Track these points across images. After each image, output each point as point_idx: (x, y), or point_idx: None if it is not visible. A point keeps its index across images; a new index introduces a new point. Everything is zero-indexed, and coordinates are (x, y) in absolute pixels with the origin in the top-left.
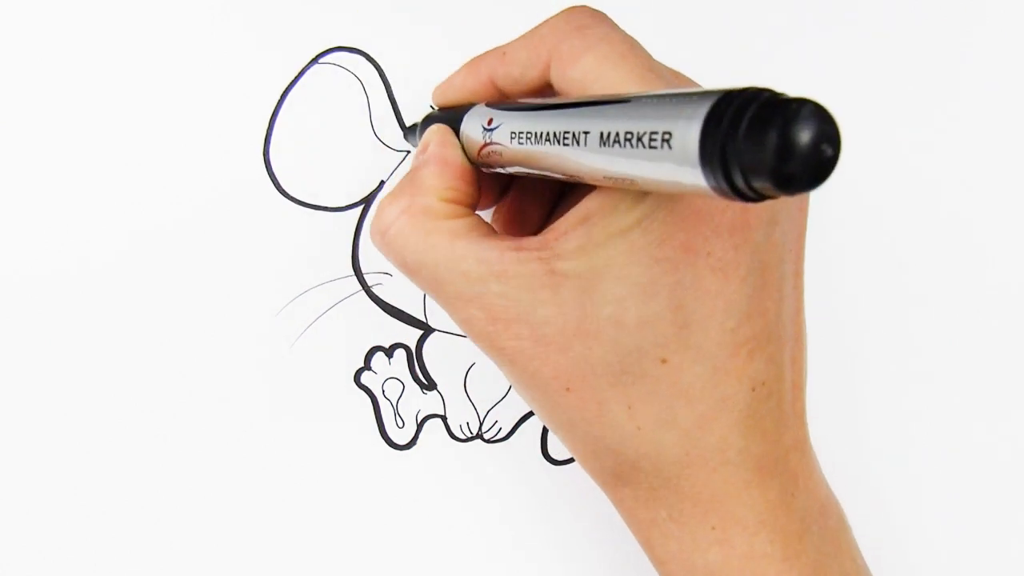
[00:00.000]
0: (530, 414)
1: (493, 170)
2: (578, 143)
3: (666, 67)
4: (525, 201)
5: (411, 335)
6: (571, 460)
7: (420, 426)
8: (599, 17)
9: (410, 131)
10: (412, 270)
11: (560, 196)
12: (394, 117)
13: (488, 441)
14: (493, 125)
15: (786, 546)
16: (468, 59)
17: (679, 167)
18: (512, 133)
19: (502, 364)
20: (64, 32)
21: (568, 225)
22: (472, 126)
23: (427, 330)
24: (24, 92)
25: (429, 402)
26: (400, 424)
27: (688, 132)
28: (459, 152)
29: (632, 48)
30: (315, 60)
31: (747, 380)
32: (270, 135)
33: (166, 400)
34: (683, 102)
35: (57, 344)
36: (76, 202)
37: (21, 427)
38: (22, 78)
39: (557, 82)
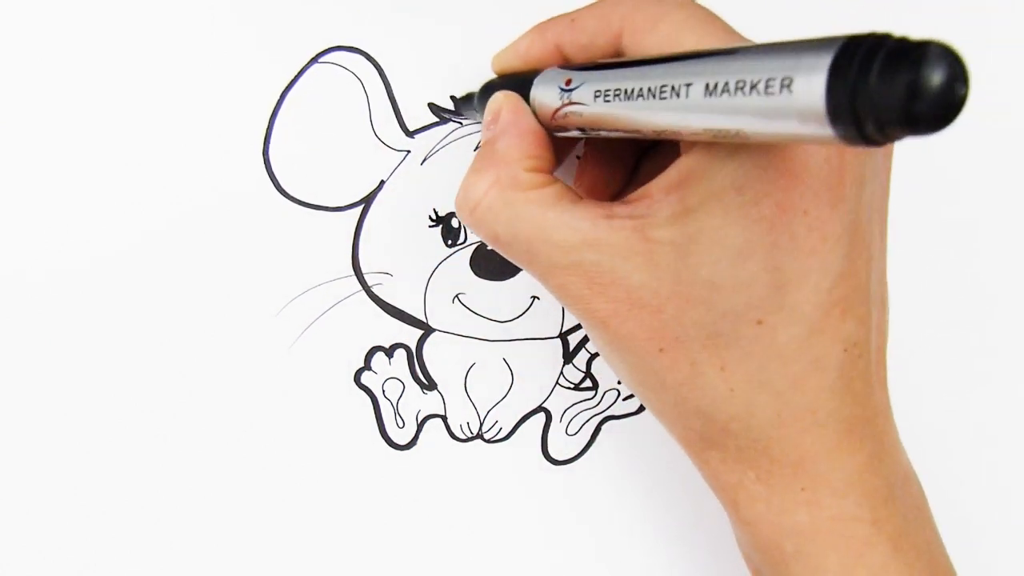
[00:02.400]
0: (530, 414)
1: (565, 134)
2: (677, 95)
3: (739, 34)
4: (599, 165)
5: (411, 335)
6: (571, 460)
7: (420, 426)
8: None
9: (463, 101)
10: (504, 243)
11: (637, 158)
12: (394, 117)
13: (488, 441)
14: (573, 85)
15: (874, 509)
16: (533, 24)
17: (800, 113)
18: (597, 91)
19: (596, 327)
20: (64, 32)
21: (659, 190)
22: (546, 89)
23: (427, 330)
24: (24, 92)
25: (429, 402)
26: (400, 424)
27: (813, 77)
28: (532, 118)
29: (708, 14)
30: (315, 60)
31: (840, 341)
32: (270, 135)
33: (166, 400)
34: (801, 49)
35: (57, 344)
36: (76, 202)
37: (21, 427)
38: (22, 78)
39: (631, 49)
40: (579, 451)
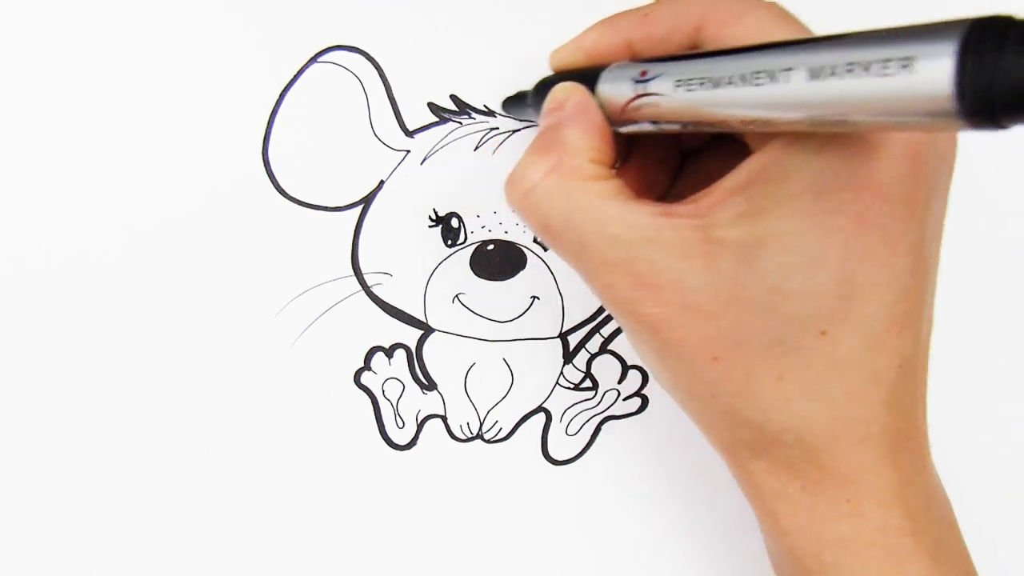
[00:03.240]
0: (530, 414)
1: (632, 128)
2: (775, 81)
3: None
4: (643, 167)
5: (411, 335)
6: (571, 460)
7: (420, 426)
8: None
9: (515, 100)
10: (555, 232)
11: (684, 162)
12: (394, 117)
13: (488, 441)
14: (649, 76)
15: (914, 521)
16: (596, 21)
17: (922, 94)
18: (679, 80)
19: (642, 332)
20: (64, 32)
21: (726, 191)
22: (616, 81)
23: (427, 330)
24: (24, 92)
25: (429, 402)
26: (400, 424)
27: (939, 57)
28: (600, 112)
29: (790, 14)
30: (314, 59)
31: (896, 356)
32: (269, 135)
33: (166, 400)
34: (919, 32)
35: (57, 344)
36: (76, 202)
37: (21, 427)
38: (22, 78)
39: (712, 43)
40: (579, 451)
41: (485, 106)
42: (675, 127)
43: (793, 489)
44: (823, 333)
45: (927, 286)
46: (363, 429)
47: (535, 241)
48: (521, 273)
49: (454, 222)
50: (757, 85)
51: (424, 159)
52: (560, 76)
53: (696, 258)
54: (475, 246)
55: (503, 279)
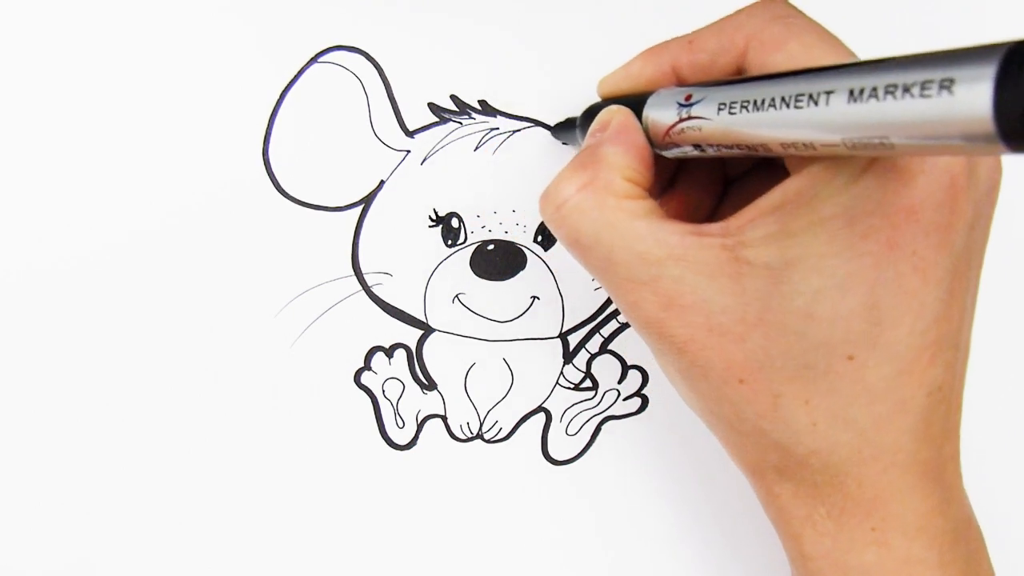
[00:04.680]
0: (530, 414)
1: (675, 152)
2: (815, 103)
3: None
4: (693, 191)
5: (411, 335)
6: (571, 460)
7: (420, 426)
8: (795, 9)
9: (562, 126)
10: (584, 247)
11: (728, 188)
12: (394, 117)
13: (488, 441)
14: (693, 100)
15: (941, 553)
16: (642, 50)
17: (961, 116)
18: (721, 104)
19: (668, 352)
20: (64, 31)
21: (758, 212)
22: (661, 105)
23: (427, 330)
24: (24, 92)
25: (429, 402)
26: (400, 424)
27: (978, 79)
28: (643, 135)
29: (835, 37)
30: (314, 59)
31: (926, 384)
32: (269, 135)
33: (166, 400)
34: (959, 55)
35: (57, 344)
36: (76, 202)
37: (21, 426)
38: (22, 78)
39: (757, 67)
40: (579, 451)
41: (485, 105)
42: (717, 151)
43: (818, 515)
44: (851, 358)
45: (962, 315)
46: (363, 429)
47: (535, 241)
48: (521, 273)
49: (454, 222)
50: (798, 108)
51: (424, 159)
52: (607, 102)
53: (724, 278)
54: (475, 246)
55: (503, 279)
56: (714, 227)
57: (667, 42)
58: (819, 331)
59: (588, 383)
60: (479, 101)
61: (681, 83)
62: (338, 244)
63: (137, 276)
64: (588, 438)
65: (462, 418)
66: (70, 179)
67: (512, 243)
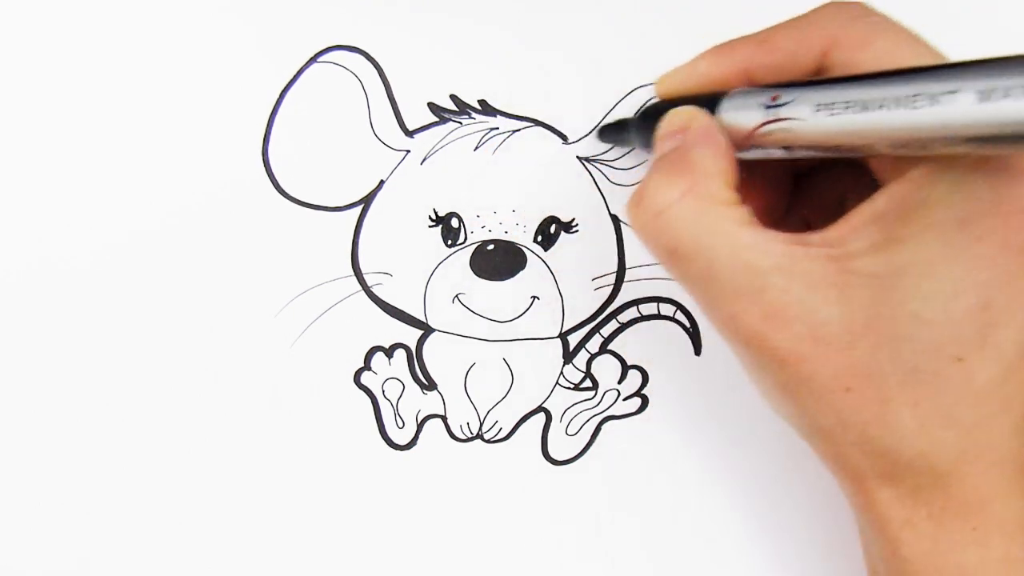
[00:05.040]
0: (530, 414)
1: (757, 154)
2: (937, 103)
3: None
4: (767, 193)
5: (411, 335)
6: (571, 460)
7: (420, 426)
8: (872, 9)
9: (614, 127)
10: (683, 256)
11: (798, 185)
12: (393, 116)
13: (488, 441)
14: (782, 100)
15: None
16: (707, 48)
17: None
18: (819, 105)
19: (767, 365)
20: (64, 31)
21: (862, 221)
22: (742, 106)
23: (427, 330)
24: (24, 92)
25: (429, 402)
26: (400, 424)
27: None
28: (726, 137)
29: (918, 37)
30: (314, 59)
31: None
32: (269, 135)
33: (166, 400)
34: None
35: (56, 344)
36: (76, 202)
37: (20, 426)
38: (22, 78)
39: (841, 67)
40: (579, 451)
41: (485, 105)
42: (807, 153)
43: (919, 517)
44: (960, 360)
45: None
46: (363, 429)
47: (535, 241)
48: (521, 273)
49: (454, 222)
50: (915, 108)
51: (424, 159)
52: (669, 103)
53: (830, 289)
54: (475, 246)
55: (503, 279)
56: (816, 237)
57: (736, 41)
58: (929, 335)
59: (588, 383)
60: (479, 101)
61: (752, 84)
62: (338, 244)
63: (137, 276)
64: (588, 438)
65: (462, 418)
66: (70, 179)
67: (512, 243)
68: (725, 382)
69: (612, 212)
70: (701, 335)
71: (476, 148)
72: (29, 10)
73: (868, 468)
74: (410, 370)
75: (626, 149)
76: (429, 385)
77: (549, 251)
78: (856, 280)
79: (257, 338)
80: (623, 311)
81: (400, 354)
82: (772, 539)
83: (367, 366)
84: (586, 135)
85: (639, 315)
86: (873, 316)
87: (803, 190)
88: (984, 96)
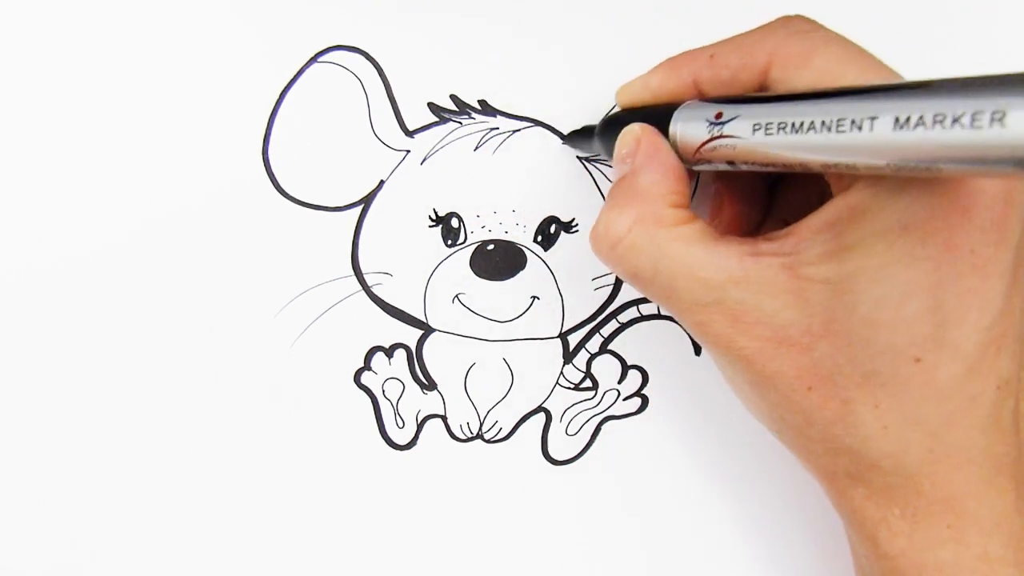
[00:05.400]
0: (530, 414)
1: (706, 167)
2: (859, 129)
3: (894, 70)
4: (736, 202)
5: (411, 335)
6: (571, 460)
7: (420, 426)
8: (816, 23)
9: (578, 135)
10: (645, 280)
11: (777, 187)
12: (393, 116)
13: (488, 441)
14: (725, 118)
15: (1018, 551)
16: (661, 60)
17: (1015, 147)
18: (756, 124)
19: (736, 363)
20: (64, 31)
21: (812, 230)
22: (690, 122)
23: (427, 330)
24: (24, 92)
25: (429, 402)
26: (400, 424)
27: None
28: (673, 153)
29: (861, 49)
30: (314, 59)
31: (994, 378)
32: (269, 134)
33: (166, 400)
34: (1011, 82)
35: (56, 344)
36: (76, 201)
37: (19, 427)
38: (22, 78)
39: (781, 84)
40: (579, 451)
41: (485, 105)
42: (751, 168)
43: (892, 515)
44: (918, 360)
45: (1022, 307)
46: (363, 429)
47: (535, 241)
48: (521, 273)
49: (454, 222)
50: (840, 132)
51: (424, 159)
52: (628, 113)
53: (786, 295)
54: (475, 246)
55: (503, 279)
56: (770, 246)
57: (687, 53)
58: (884, 337)
59: (588, 383)
60: (479, 101)
61: (703, 97)
62: (338, 244)
63: (137, 276)
64: (588, 438)
65: (462, 418)
66: (70, 179)
67: (512, 243)
68: (725, 382)
69: None
70: None
71: (476, 148)
72: (29, 10)
73: (837, 466)
74: (410, 370)
75: (587, 153)
76: (429, 385)
77: (549, 251)
78: (809, 286)
79: (257, 338)
80: (623, 311)
81: (400, 354)
82: (771, 539)
83: (367, 366)
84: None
85: (639, 315)
86: (830, 319)
87: (782, 192)
88: (900, 124)
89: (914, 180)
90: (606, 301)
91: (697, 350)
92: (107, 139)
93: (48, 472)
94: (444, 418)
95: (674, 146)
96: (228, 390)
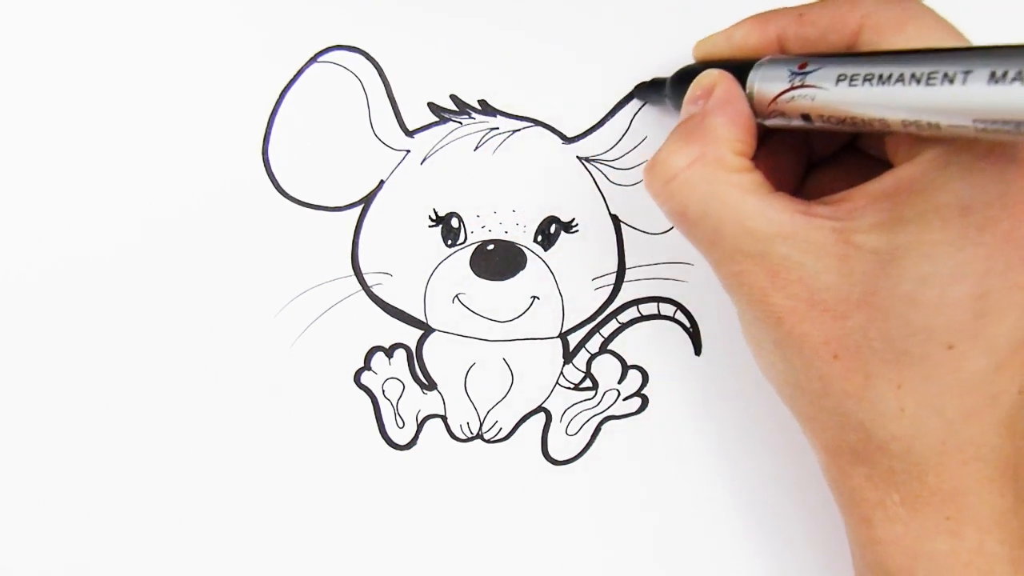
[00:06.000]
0: (530, 414)
1: (778, 122)
2: (951, 82)
3: None
4: (780, 161)
5: (411, 335)
6: (571, 460)
7: (420, 426)
8: None
9: (649, 86)
10: (691, 220)
11: (810, 171)
12: (393, 116)
13: (488, 441)
14: (809, 68)
15: (1012, 549)
16: (750, 15)
17: None
18: (841, 75)
19: (764, 321)
20: (64, 31)
21: (869, 198)
22: (771, 72)
23: (427, 330)
24: (24, 92)
25: (429, 402)
26: (400, 424)
27: None
28: (747, 103)
29: (950, 24)
30: (314, 59)
31: (1018, 381)
32: (269, 134)
33: (166, 400)
34: None
35: (57, 344)
36: (76, 202)
37: (19, 427)
38: (22, 77)
39: (871, 47)
40: (579, 451)
41: (485, 105)
42: (826, 124)
43: (891, 500)
44: (951, 347)
45: None
46: (363, 429)
47: (535, 241)
48: (521, 273)
49: (454, 222)
50: (930, 85)
51: (424, 159)
52: (704, 65)
53: (831, 258)
54: (475, 246)
55: (503, 279)
56: (824, 209)
57: (775, 11)
58: (922, 317)
59: (588, 383)
60: (479, 101)
61: (783, 54)
62: (338, 244)
63: (137, 276)
64: (588, 438)
65: (462, 418)
66: (70, 179)
67: (512, 243)
68: (725, 382)
69: (612, 212)
70: (701, 335)
71: (476, 148)
72: (29, 10)
73: (843, 441)
74: (410, 370)
75: (662, 107)
76: (429, 385)
77: (549, 251)
78: (857, 253)
79: (257, 338)
80: (623, 311)
81: (400, 354)
82: (772, 538)
83: (367, 366)
84: (587, 132)
85: (639, 315)
86: (869, 291)
87: (816, 176)
88: (995, 77)
89: (983, 162)
90: (606, 301)
91: (697, 350)
92: (107, 139)
93: (48, 471)
94: (444, 418)
95: (750, 99)
96: (228, 390)
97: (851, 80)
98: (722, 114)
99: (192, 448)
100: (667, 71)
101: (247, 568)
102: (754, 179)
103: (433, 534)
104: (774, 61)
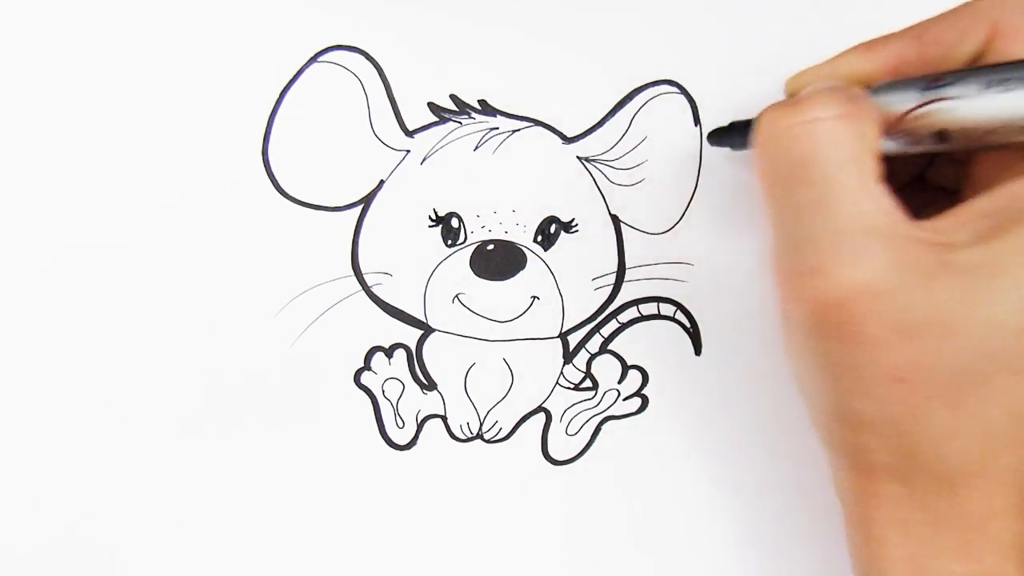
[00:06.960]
0: (530, 414)
1: (900, 144)
2: None
3: None
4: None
5: (411, 335)
6: (571, 460)
7: (420, 426)
8: None
9: (727, 131)
10: (804, 177)
11: (918, 185)
12: (393, 116)
13: (488, 441)
14: (947, 81)
15: None
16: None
17: None
18: (990, 80)
19: (827, 330)
20: (64, 31)
21: (972, 214)
22: (894, 94)
23: (427, 330)
24: (24, 92)
25: (429, 402)
26: (400, 424)
27: None
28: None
29: None
30: (314, 59)
31: None
32: (269, 134)
33: (166, 400)
34: None
35: (56, 344)
36: (76, 201)
37: (19, 427)
38: (22, 77)
39: (1004, 57)
40: (579, 451)
41: (485, 105)
42: (960, 141)
43: (916, 520)
44: (1015, 373)
45: None
46: (363, 429)
47: (535, 241)
48: (521, 273)
49: (454, 222)
50: None
51: (424, 159)
52: None
53: (915, 275)
54: (475, 246)
55: (503, 279)
56: (926, 224)
57: (885, 37)
58: (998, 341)
59: (588, 383)
60: (479, 101)
61: (890, 78)
62: (338, 244)
63: (137, 276)
64: (588, 438)
65: (462, 418)
66: (70, 179)
67: (512, 243)
68: (725, 382)
69: (612, 212)
70: (701, 335)
71: (476, 148)
72: (29, 10)
73: (884, 462)
74: (410, 370)
75: (735, 152)
76: (429, 385)
77: (549, 251)
78: (947, 272)
79: (257, 338)
80: (623, 311)
81: (400, 354)
82: (771, 538)
83: (367, 366)
84: (587, 132)
85: (639, 315)
86: (950, 312)
87: (932, 185)
88: None
89: None
90: (606, 301)
91: (697, 350)
92: (107, 139)
93: (47, 471)
94: (444, 418)
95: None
96: (228, 390)
97: (1005, 85)
98: (873, 107)
99: (192, 448)
100: (667, 71)
101: (247, 568)
102: (882, 171)
103: (433, 534)
104: (894, 83)
